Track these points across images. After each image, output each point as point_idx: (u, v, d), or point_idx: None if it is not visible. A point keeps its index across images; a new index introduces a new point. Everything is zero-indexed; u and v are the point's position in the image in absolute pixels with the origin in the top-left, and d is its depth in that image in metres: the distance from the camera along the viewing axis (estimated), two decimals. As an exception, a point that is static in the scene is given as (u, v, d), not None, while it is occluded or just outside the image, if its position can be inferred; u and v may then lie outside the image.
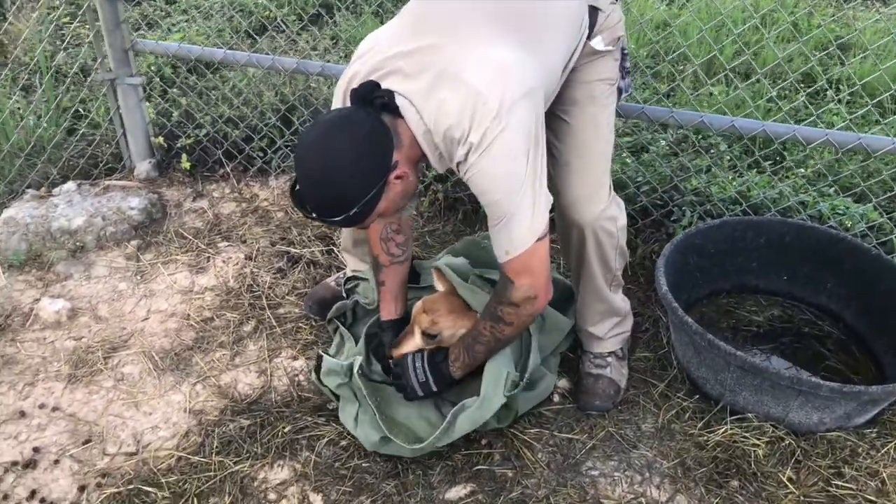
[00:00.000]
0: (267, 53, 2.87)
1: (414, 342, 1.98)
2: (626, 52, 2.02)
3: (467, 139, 1.56)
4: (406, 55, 1.62)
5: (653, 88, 3.51)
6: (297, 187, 1.61)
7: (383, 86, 1.60)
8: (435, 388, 1.96)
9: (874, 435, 1.99)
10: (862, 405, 1.89)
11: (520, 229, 1.64)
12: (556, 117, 1.91)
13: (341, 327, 2.26)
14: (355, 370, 1.96)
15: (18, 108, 3.37)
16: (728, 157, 2.84)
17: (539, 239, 1.66)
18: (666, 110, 2.35)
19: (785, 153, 2.88)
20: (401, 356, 1.99)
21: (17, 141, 3.18)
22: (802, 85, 3.55)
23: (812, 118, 2.43)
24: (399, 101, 1.60)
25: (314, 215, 1.60)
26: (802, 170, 2.78)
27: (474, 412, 1.88)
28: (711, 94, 3.48)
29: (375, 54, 1.67)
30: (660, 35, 4.04)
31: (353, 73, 1.70)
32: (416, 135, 1.62)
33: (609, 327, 2.10)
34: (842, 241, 2.29)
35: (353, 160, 1.53)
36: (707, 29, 3.91)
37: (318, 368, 2.08)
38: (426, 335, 1.97)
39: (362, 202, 1.55)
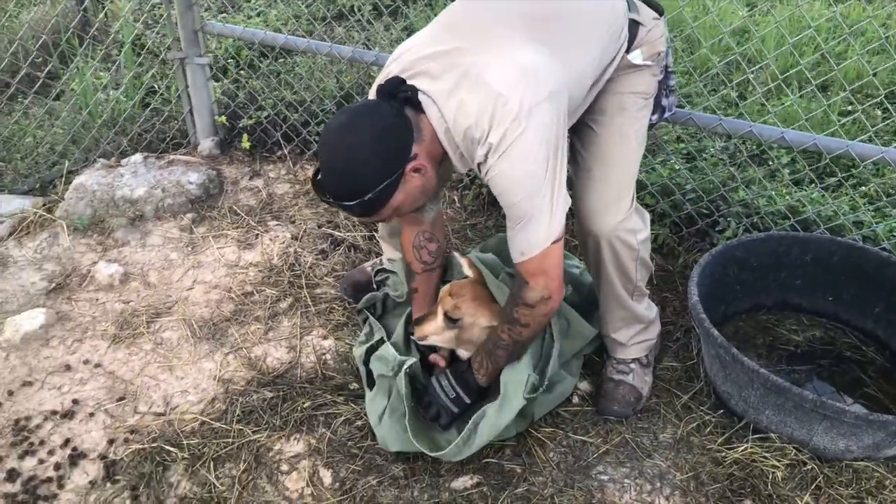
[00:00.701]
0: (325, 41, 2.94)
1: (436, 324, 2.00)
2: (670, 69, 2.01)
3: (486, 139, 1.58)
4: (436, 57, 1.66)
5: (721, 96, 3.43)
6: (320, 176, 1.67)
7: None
8: (468, 400, 1.96)
9: (906, 469, 1.90)
10: (891, 436, 1.81)
11: (537, 232, 1.65)
12: (584, 125, 1.92)
13: (371, 317, 2.28)
14: (405, 367, 1.96)
15: (101, 83, 3.55)
16: (789, 171, 2.75)
17: (555, 241, 1.66)
18: (714, 118, 2.30)
19: (852, 169, 2.77)
20: (423, 335, 2.01)
21: (96, 112, 3.36)
22: (878, 101, 3.40)
23: (868, 133, 2.33)
24: (422, 98, 1.63)
25: (331, 200, 1.64)
26: (864, 188, 2.66)
27: (494, 415, 1.88)
28: (784, 105, 3.37)
29: (410, 55, 1.71)
30: (737, 42, 3.94)
31: (387, 73, 1.74)
32: (438, 132, 1.65)
33: (632, 334, 2.08)
34: (893, 264, 2.19)
35: (372, 147, 1.57)
36: (762, 38, 3.80)
37: (370, 349, 2.11)
38: (448, 318, 1.98)
39: (377, 189, 1.58)
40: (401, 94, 1.62)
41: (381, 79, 1.77)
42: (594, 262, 1.96)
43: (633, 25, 1.84)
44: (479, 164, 1.66)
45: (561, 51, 1.67)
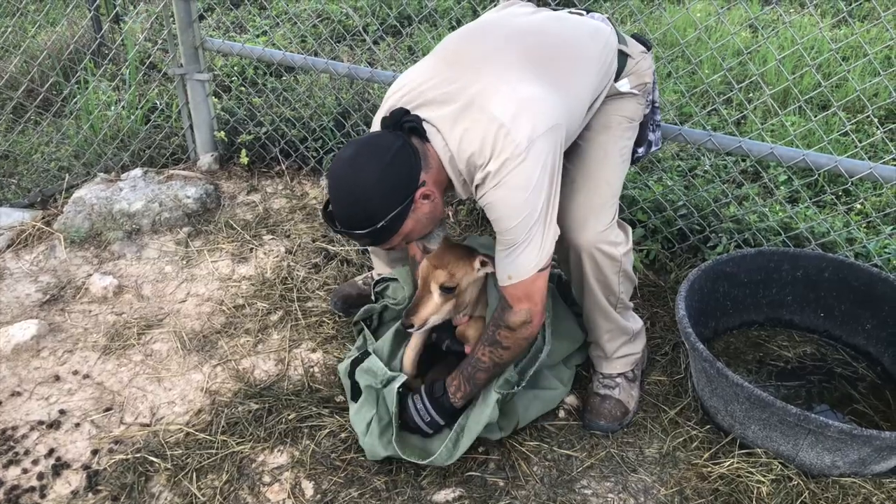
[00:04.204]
0: (329, 60, 2.97)
1: (433, 303, 1.93)
2: (656, 104, 2.08)
3: (486, 166, 1.61)
4: (438, 87, 1.70)
5: (720, 116, 3.44)
6: (330, 207, 1.69)
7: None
8: (442, 423, 1.95)
9: (894, 486, 1.87)
10: (877, 451, 1.78)
11: (527, 259, 1.69)
12: (572, 142, 1.95)
13: (366, 330, 2.27)
14: (397, 385, 1.96)
15: (109, 100, 3.60)
16: (786, 189, 2.75)
17: (541, 270, 1.71)
18: (704, 133, 2.30)
19: (851, 189, 2.76)
20: (422, 321, 1.93)
21: (98, 127, 3.40)
22: (878, 119, 3.39)
23: (857, 149, 2.32)
24: (426, 127, 1.67)
25: (342, 230, 1.66)
26: (858, 205, 2.65)
27: (477, 411, 1.89)
28: (783, 124, 3.38)
29: (409, 90, 1.76)
30: (735, 62, 3.96)
31: (390, 105, 1.78)
32: (443, 160, 1.69)
33: (616, 346, 2.07)
34: (884, 280, 2.17)
35: (380, 176, 1.60)
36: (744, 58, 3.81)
37: (355, 361, 2.10)
38: (444, 289, 1.92)
39: (389, 216, 1.61)
40: (406, 124, 1.66)
41: (382, 110, 1.82)
42: (576, 275, 1.97)
43: (622, 57, 1.93)
44: (476, 187, 1.69)
45: (560, 84, 1.73)
